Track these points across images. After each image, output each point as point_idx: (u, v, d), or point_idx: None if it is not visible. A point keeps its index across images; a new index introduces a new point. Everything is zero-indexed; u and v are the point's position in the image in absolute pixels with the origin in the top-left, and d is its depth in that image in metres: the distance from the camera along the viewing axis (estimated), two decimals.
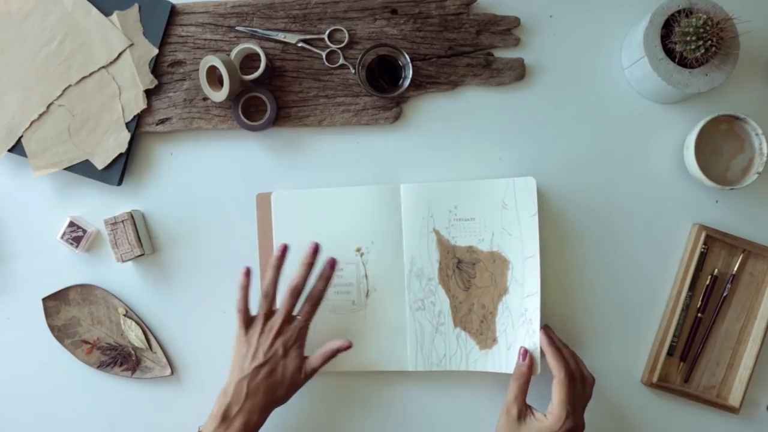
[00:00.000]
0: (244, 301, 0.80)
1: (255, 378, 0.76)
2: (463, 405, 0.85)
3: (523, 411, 0.77)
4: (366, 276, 0.84)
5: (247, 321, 0.79)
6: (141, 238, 0.84)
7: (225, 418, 0.75)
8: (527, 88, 0.86)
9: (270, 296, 0.79)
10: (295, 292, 0.79)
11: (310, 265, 0.80)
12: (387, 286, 0.84)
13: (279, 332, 0.77)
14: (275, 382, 0.77)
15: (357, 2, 0.85)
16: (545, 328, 0.80)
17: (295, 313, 0.79)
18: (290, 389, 0.78)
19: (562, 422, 0.74)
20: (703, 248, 0.83)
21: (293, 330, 0.78)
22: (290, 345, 0.77)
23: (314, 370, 0.79)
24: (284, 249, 0.81)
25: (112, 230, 0.84)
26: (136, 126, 0.85)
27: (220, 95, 0.82)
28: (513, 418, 0.76)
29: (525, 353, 0.79)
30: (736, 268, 0.83)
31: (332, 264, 0.81)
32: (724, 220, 0.84)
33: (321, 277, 0.81)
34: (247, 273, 0.81)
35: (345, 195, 0.84)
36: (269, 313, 0.79)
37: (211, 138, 0.87)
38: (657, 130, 0.85)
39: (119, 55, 0.85)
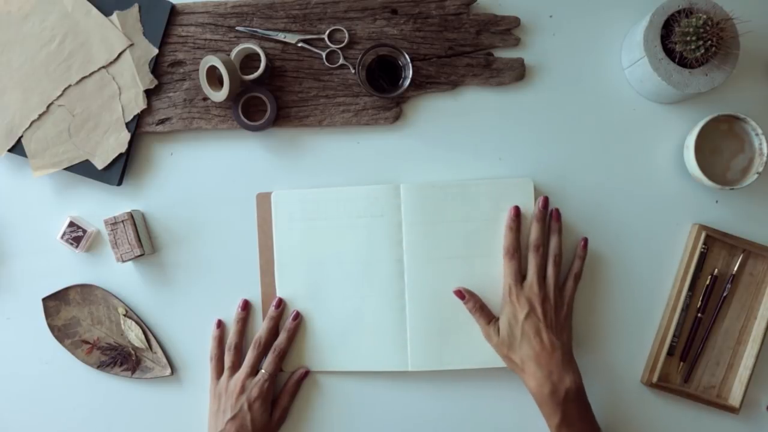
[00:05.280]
0: (217, 350, 0.85)
1: (231, 431, 0.80)
2: (464, 405, 0.85)
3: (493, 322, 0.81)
4: (366, 276, 0.84)
5: (219, 370, 0.84)
6: (141, 238, 0.84)
7: None
8: (527, 88, 0.86)
9: (233, 349, 0.84)
10: (259, 345, 0.83)
11: (274, 318, 0.84)
12: (387, 286, 0.84)
13: (242, 389, 0.81)
14: None
15: (357, 2, 0.85)
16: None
17: (263, 366, 0.83)
18: None
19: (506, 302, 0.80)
20: (703, 248, 0.83)
21: (255, 385, 0.81)
22: (253, 400, 0.81)
23: (285, 410, 0.84)
24: (246, 304, 0.85)
25: (112, 230, 0.84)
26: (136, 126, 0.85)
27: (220, 95, 0.82)
28: (494, 335, 0.80)
29: (460, 293, 0.82)
30: (736, 268, 0.83)
31: (296, 317, 0.84)
32: (724, 220, 0.84)
33: (285, 330, 0.84)
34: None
35: (345, 195, 0.84)
36: (235, 366, 0.83)
37: (211, 138, 0.87)
38: (657, 130, 0.85)
39: (119, 55, 0.85)
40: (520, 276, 0.80)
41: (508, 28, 0.85)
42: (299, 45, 0.85)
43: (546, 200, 0.82)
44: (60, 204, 0.88)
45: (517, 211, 0.82)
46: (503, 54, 0.86)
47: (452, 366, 0.83)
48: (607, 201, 0.85)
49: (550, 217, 0.83)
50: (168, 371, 0.86)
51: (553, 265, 0.81)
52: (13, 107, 0.85)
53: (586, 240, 0.83)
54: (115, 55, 0.85)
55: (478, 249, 0.83)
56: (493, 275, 0.83)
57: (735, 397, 0.83)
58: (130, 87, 0.85)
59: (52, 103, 0.85)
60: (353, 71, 0.85)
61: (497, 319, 0.81)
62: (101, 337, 0.87)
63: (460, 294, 0.82)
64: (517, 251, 0.81)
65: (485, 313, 0.81)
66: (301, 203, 0.85)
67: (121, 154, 0.85)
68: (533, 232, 0.82)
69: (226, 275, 0.86)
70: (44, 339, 0.87)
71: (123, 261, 0.84)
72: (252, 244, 0.86)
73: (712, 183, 0.80)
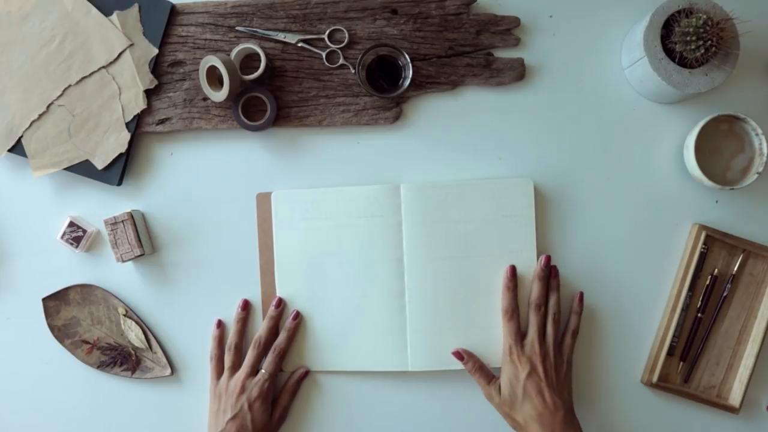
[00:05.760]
0: (217, 350, 0.85)
1: (231, 430, 0.80)
2: (464, 405, 0.85)
3: (495, 385, 0.80)
4: (366, 276, 0.84)
5: (219, 370, 0.84)
6: (141, 238, 0.84)
7: None
8: (527, 88, 0.86)
9: (233, 349, 0.84)
10: (259, 345, 0.83)
11: (274, 318, 0.84)
12: (387, 286, 0.84)
13: (242, 389, 0.81)
14: None
15: (357, 2, 0.85)
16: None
17: (263, 366, 0.83)
18: None
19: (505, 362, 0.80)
20: (703, 248, 0.83)
21: (255, 385, 0.81)
22: (253, 400, 0.81)
23: (286, 410, 0.84)
24: (246, 304, 0.85)
25: (112, 230, 0.84)
26: (136, 126, 0.85)
27: (220, 95, 0.82)
28: (495, 395, 0.80)
29: (458, 355, 0.82)
30: (736, 268, 0.83)
31: (296, 317, 0.84)
32: (724, 220, 0.84)
33: (285, 330, 0.84)
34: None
35: (345, 195, 0.84)
36: (235, 366, 0.83)
37: (211, 138, 0.87)
38: (657, 130, 0.85)
39: (119, 55, 0.85)
40: (520, 335, 0.80)
41: (508, 28, 0.85)
42: (299, 45, 0.85)
43: (548, 259, 0.82)
44: (60, 204, 0.88)
45: (513, 271, 0.82)
46: (503, 54, 0.86)
47: (452, 366, 0.83)
48: (606, 201, 0.85)
49: (549, 273, 0.83)
50: (168, 371, 0.86)
51: (552, 323, 0.80)
52: (13, 107, 0.85)
53: (581, 294, 0.83)
54: (115, 55, 0.85)
55: (478, 249, 0.83)
56: (492, 277, 0.83)
57: (735, 397, 0.83)
58: (130, 87, 0.85)
59: (52, 103, 0.85)
60: (353, 71, 0.85)
61: (497, 379, 0.81)
62: (101, 337, 0.87)
63: (459, 355, 0.82)
64: (515, 311, 0.81)
65: (485, 374, 0.81)
66: (301, 203, 0.85)
67: (121, 154, 0.85)
68: (534, 292, 0.81)
69: (226, 275, 0.86)
70: (44, 339, 0.87)
71: (123, 261, 0.84)
72: (252, 244, 0.86)
73: (712, 183, 0.80)
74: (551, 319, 0.81)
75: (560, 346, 0.81)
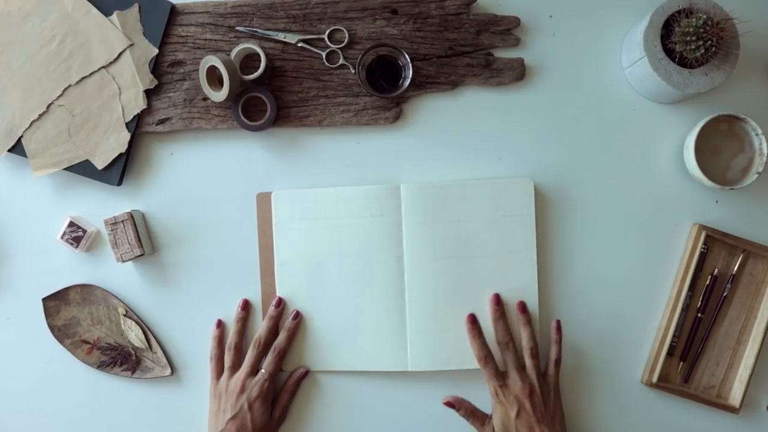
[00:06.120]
0: (217, 350, 0.85)
1: (231, 430, 0.80)
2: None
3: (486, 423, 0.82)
4: (366, 276, 0.84)
5: (219, 370, 0.84)
6: (141, 238, 0.84)
7: None
8: (527, 88, 0.86)
9: (233, 349, 0.84)
10: (259, 345, 0.83)
11: (274, 318, 0.84)
12: (387, 286, 0.84)
13: (242, 389, 0.81)
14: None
15: (357, 2, 0.85)
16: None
17: (263, 365, 0.83)
18: None
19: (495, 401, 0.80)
20: (703, 248, 0.83)
21: (255, 385, 0.81)
22: (253, 400, 0.81)
23: (285, 409, 0.84)
24: (246, 304, 0.85)
25: (112, 230, 0.84)
26: (136, 126, 0.85)
27: (220, 95, 0.82)
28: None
29: (449, 404, 0.83)
30: (736, 268, 0.83)
31: (295, 317, 0.84)
32: (724, 220, 0.84)
33: (285, 330, 0.84)
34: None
35: (345, 195, 0.84)
36: (235, 366, 0.83)
37: (211, 138, 0.87)
38: (657, 130, 0.85)
39: (119, 55, 0.85)
40: (501, 375, 0.80)
41: (508, 28, 0.85)
42: (299, 45, 0.85)
43: (497, 297, 0.82)
44: (60, 204, 0.88)
45: (472, 319, 0.82)
46: (503, 54, 0.86)
47: (452, 366, 0.83)
48: (606, 201, 0.85)
49: (503, 311, 0.83)
50: (168, 371, 0.86)
51: (530, 357, 0.80)
52: (13, 107, 0.85)
53: (558, 323, 0.83)
54: (115, 55, 0.85)
55: (478, 249, 0.83)
56: (491, 277, 0.83)
57: (735, 397, 0.83)
58: (130, 87, 0.85)
59: (52, 103, 0.85)
60: (353, 71, 0.85)
61: (490, 419, 0.81)
62: (101, 337, 0.87)
63: (450, 404, 0.83)
64: (488, 354, 0.81)
65: (478, 416, 0.82)
66: (301, 203, 0.85)
67: (121, 154, 0.85)
68: (496, 333, 0.82)
69: (226, 275, 0.86)
70: (44, 339, 0.87)
71: (123, 261, 0.84)
72: (252, 244, 0.86)
73: (712, 183, 0.80)
74: (528, 354, 0.80)
75: (544, 377, 0.81)
